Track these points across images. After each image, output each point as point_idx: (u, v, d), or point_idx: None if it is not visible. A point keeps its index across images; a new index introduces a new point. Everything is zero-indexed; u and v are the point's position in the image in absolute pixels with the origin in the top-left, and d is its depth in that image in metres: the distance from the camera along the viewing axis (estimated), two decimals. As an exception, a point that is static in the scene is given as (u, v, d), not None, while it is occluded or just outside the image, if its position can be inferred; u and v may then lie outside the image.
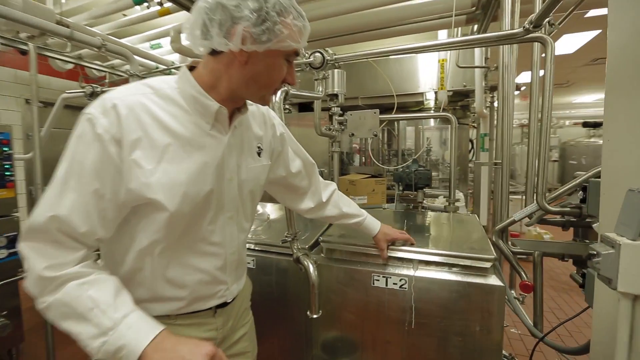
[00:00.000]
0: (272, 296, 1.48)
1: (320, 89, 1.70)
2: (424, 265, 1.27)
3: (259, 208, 2.18)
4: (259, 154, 0.92)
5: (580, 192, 1.15)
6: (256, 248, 1.55)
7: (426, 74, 4.32)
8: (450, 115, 2.14)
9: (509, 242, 1.64)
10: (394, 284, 1.26)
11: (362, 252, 1.36)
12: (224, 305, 0.90)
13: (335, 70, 1.96)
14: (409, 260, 1.29)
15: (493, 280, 1.16)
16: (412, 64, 4.32)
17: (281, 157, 1.05)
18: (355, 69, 4.15)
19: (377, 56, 1.54)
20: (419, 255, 1.27)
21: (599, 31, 5.61)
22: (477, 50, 3.81)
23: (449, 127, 2.11)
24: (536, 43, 1.44)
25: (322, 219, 1.25)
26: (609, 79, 0.88)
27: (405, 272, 1.26)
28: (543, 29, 1.20)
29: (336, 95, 1.99)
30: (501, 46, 1.78)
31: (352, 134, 1.94)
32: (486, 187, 4.01)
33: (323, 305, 1.38)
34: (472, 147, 4.91)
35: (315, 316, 1.24)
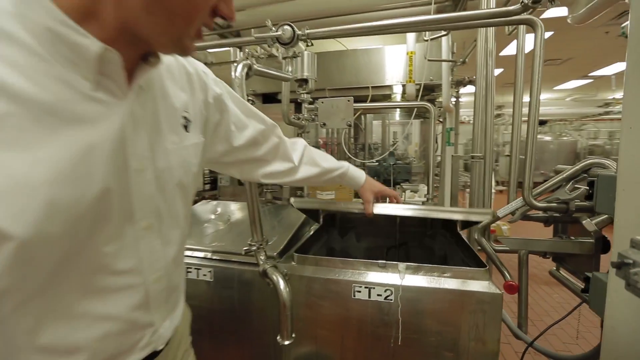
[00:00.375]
0: (234, 315, 1.25)
1: (290, 70, 1.48)
2: (412, 271, 1.11)
3: (218, 207, 1.91)
4: (185, 127, 0.63)
5: (585, 187, 1.07)
6: (214, 257, 1.30)
7: (394, 67, 4.26)
8: (428, 104, 2.03)
9: (491, 240, 1.55)
10: (378, 295, 1.09)
11: (340, 260, 1.18)
12: (152, 356, 0.62)
13: (305, 52, 1.74)
14: (394, 266, 1.13)
15: (489, 287, 1.03)
16: (380, 56, 4.24)
17: (221, 127, 0.77)
18: (322, 59, 3.97)
19: (355, 33, 1.35)
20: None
21: (552, 33, 5.93)
22: (444, 44, 3.80)
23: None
24: (522, 26, 1.34)
25: (297, 183, 1.04)
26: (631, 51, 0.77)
27: (391, 280, 1.09)
28: (540, 6, 1.08)
29: (306, 81, 1.78)
30: (481, 32, 1.68)
31: (324, 124, 1.74)
32: (449, 181, 4.03)
33: (295, 322, 1.17)
34: (436, 141, 4.96)
35: (287, 342, 1.03)
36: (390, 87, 4.07)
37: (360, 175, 1.16)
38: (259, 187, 2.03)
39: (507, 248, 1.46)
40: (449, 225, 1.80)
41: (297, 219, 1.69)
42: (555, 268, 1.57)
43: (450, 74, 3.90)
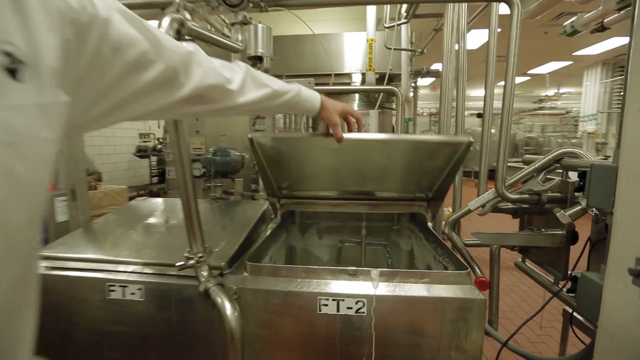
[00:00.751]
0: (173, 341, 1.01)
1: (239, 39, 1.23)
2: (387, 278, 0.96)
3: (156, 205, 1.61)
4: (12, 73, 0.32)
5: (574, 179, 0.99)
6: (145, 270, 1.04)
7: (353, 55, 4.16)
8: (394, 88, 1.90)
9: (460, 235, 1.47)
10: (348, 308, 0.93)
11: (303, 268, 0.99)
12: None
13: (260, 25, 1.50)
14: (366, 273, 0.97)
15: (472, 292, 0.91)
16: (339, 42, 4.09)
17: (95, 70, 0.44)
18: (279, 43, 3.73)
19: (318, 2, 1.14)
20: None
21: (499, 30, 6.22)
22: (403, 33, 3.77)
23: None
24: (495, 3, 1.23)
25: (242, 108, 0.75)
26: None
27: (362, 290, 0.93)
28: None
29: (260, 59, 1.54)
30: (452, 10, 1.56)
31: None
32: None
33: (249, 345, 0.97)
34: (393, 131, 4.98)
35: (238, 380, 0.82)
36: (349, 75, 3.94)
37: (314, 95, 0.93)
38: (206, 181, 1.76)
39: (478, 242, 1.39)
40: (417, 218, 1.70)
41: (252, 215, 1.47)
42: (521, 260, 1.54)
43: (409, 64, 3.88)
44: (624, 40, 7.19)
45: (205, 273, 0.82)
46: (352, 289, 0.94)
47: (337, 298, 0.93)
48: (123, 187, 2.13)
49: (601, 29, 3.59)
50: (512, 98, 1.20)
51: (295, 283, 0.97)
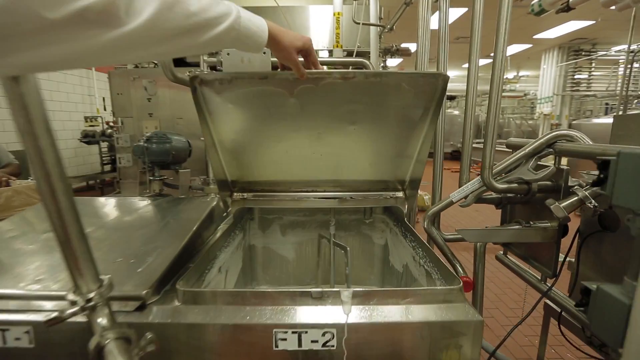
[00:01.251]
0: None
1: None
2: (361, 300, 0.75)
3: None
4: None
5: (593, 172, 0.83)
6: (35, 306, 0.75)
7: (319, 30, 3.90)
8: (365, 60, 1.67)
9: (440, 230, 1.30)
10: (312, 342, 0.71)
11: (253, 292, 0.76)
12: None
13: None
14: (335, 295, 0.76)
15: (467, 312, 0.73)
16: (304, 16, 3.80)
17: None
18: (235, 14, 3.37)
19: None
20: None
21: (465, 9, 6.13)
22: (372, 8, 3.57)
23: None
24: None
25: (133, 53, 0.48)
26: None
27: (331, 317, 0.72)
28: None
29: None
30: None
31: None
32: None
33: (186, 393, 0.74)
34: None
35: None
36: (316, 52, 3.66)
37: (261, 24, 0.68)
38: (142, 173, 1.44)
39: (459, 237, 1.23)
40: (392, 210, 1.52)
41: (196, 216, 1.19)
42: (502, 252, 1.41)
43: (378, 41, 3.68)
44: (581, 24, 7.44)
45: (103, 320, 0.56)
46: (318, 316, 0.73)
47: (299, 330, 0.71)
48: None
49: (566, 9, 3.59)
50: (501, 79, 1.02)
51: (243, 312, 0.73)
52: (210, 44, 0.55)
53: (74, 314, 0.53)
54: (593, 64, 8.97)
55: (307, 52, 0.84)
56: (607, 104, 9.19)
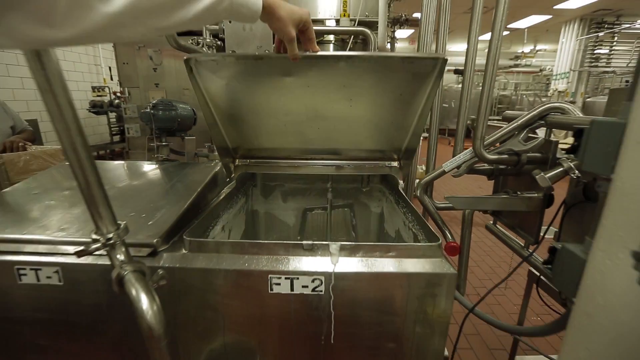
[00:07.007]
0: (103, 328, 0.86)
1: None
2: (348, 253, 0.84)
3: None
4: None
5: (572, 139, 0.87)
6: (62, 250, 0.86)
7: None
8: (366, 29, 1.67)
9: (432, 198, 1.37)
10: (303, 287, 0.81)
11: (251, 243, 0.85)
12: None
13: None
14: (324, 248, 0.85)
15: (442, 266, 0.81)
16: (311, -17, 3.66)
17: None
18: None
19: None
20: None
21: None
22: (381, -26, 3.40)
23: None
24: None
25: (128, 18, 0.45)
26: None
27: (320, 267, 0.81)
28: None
29: None
30: None
31: (233, 52, 1.27)
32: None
33: (193, 328, 0.85)
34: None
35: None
36: (322, 21, 3.58)
37: None
38: (149, 140, 1.52)
39: (450, 205, 1.30)
40: (388, 179, 1.58)
41: (200, 179, 1.28)
42: (492, 222, 1.48)
43: (387, 11, 3.57)
44: (605, -7, 6.98)
45: (121, 257, 0.65)
46: (308, 265, 0.82)
47: (291, 276, 0.80)
48: (57, 147, 1.83)
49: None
50: (498, 52, 1.03)
51: (242, 260, 0.83)
52: (202, 16, 0.53)
53: (97, 249, 0.62)
54: (615, 38, 8.53)
55: (304, 26, 0.81)
56: (627, 81, 8.83)
